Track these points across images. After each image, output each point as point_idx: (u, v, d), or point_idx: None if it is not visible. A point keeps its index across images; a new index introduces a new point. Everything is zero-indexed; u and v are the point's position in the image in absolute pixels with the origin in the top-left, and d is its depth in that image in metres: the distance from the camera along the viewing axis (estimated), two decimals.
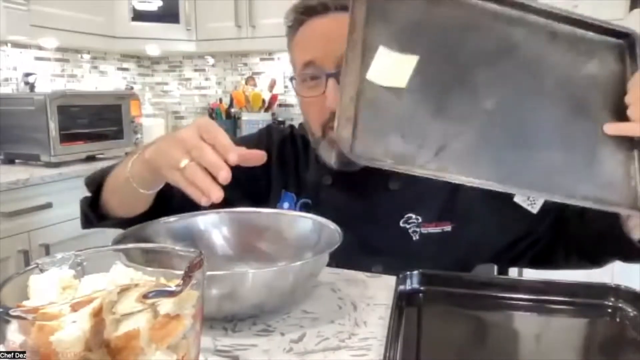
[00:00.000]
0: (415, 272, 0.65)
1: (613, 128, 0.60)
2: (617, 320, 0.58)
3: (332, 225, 0.68)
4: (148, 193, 0.71)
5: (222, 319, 0.57)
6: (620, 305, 0.59)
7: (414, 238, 0.81)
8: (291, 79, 0.84)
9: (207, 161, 0.56)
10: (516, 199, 0.82)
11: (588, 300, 0.60)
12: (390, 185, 0.84)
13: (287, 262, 0.69)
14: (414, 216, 0.82)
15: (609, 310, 0.59)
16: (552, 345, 0.55)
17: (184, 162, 0.57)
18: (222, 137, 0.57)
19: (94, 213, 0.81)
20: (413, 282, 0.65)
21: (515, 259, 0.87)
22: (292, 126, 0.98)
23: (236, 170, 0.90)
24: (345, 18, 0.78)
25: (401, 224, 0.82)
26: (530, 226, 0.82)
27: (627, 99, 0.60)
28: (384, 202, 0.83)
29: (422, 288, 0.64)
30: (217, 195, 0.56)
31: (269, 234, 0.74)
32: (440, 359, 0.52)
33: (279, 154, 0.93)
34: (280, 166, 0.92)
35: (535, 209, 0.82)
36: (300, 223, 0.73)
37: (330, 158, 0.81)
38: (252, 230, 0.74)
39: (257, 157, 0.62)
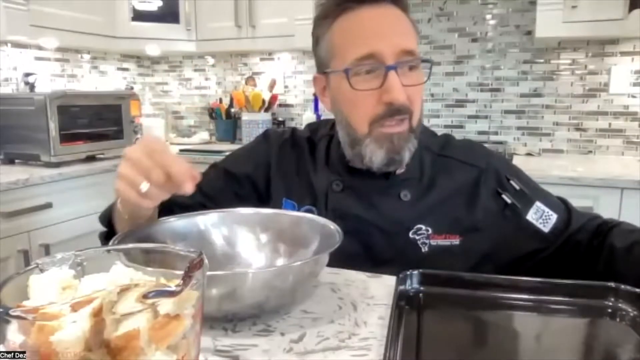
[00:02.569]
0: (415, 272, 0.65)
1: None
2: (617, 320, 0.58)
3: (332, 225, 0.68)
4: (140, 222, 0.70)
5: (222, 319, 0.57)
6: (620, 305, 0.59)
7: (423, 250, 0.80)
8: (346, 70, 0.75)
9: (167, 189, 0.60)
10: (529, 217, 0.81)
11: (588, 301, 0.60)
12: (402, 196, 0.82)
13: (287, 262, 0.69)
14: (424, 227, 0.81)
15: (609, 310, 0.59)
16: (552, 345, 0.55)
17: (145, 186, 0.58)
18: (176, 164, 0.58)
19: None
20: (413, 282, 0.65)
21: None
22: (293, 128, 0.95)
23: (235, 183, 0.90)
24: (395, 10, 0.77)
25: (411, 235, 0.80)
26: (541, 244, 0.81)
27: None
28: (394, 212, 0.81)
29: (422, 288, 0.64)
30: (190, 188, 0.59)
31: (269, 233, 0.74)
32: (440, 359, 0.52)
33: (279, 160, 0.90)
34: (280, 174, 0.89)
35: (547, 228, 0.81)
36: (300, 223, 0.73)
37: (376, 156, 0.78)
38: (252, 230, 0.74)
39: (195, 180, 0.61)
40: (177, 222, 0.73)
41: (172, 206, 0.81)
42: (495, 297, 0.62)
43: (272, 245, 0.73)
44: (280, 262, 0.70)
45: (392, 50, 0.74)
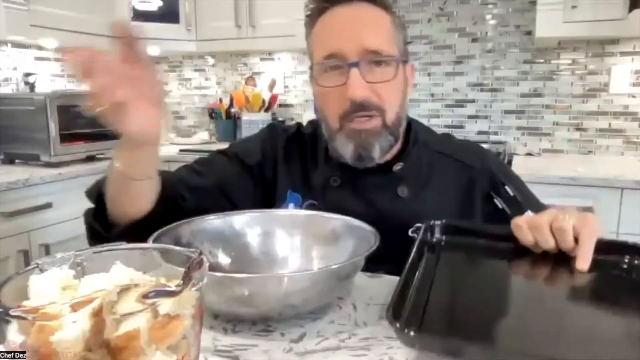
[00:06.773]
0: (438, 222, 0.71)
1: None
2: (633, 277, 0.60)
3: (367, 227, 0.67)
4: (141, 180, 0.69)
5: (249, 322, 0.57)
6: (636, 263, 0.61)
7: None
8: (310, 67, 0.83)
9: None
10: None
11: (604, 257, 0.62)
12: (400, 192, 0.82)
13: (322, 264, 0.69)
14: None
15: (625, 267, 0.61)
16: (562, 295, 0.59)
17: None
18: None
19: (100, 223, 0.76)
20: (435, 233, 0.71)
21: None
22: (299, 124, 0.97)
23: (248, 172, 0.90)
24: (369, 9, 0.79)
25: (410, 234, 0.80)
26: None
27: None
28: (392, 210, 0.81)
29: (444, 238, 0.70)
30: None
31: (304, 235, 0.74)
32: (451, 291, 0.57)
33: (285, 153, 0.91)
34: (286, 166, 0.90)
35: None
36: (335, 225, 0.73)
37: (346, 151, 0.80)
38: (287, 230, 0.75)
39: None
40: (212, 222, 0.73)
41: (181, 189, 0.81)
42: (514, 249, 0.66)
43: (306, 247, 0.73)
44: (316, 264, 0.71)
45: (354, 49, 0.76)
